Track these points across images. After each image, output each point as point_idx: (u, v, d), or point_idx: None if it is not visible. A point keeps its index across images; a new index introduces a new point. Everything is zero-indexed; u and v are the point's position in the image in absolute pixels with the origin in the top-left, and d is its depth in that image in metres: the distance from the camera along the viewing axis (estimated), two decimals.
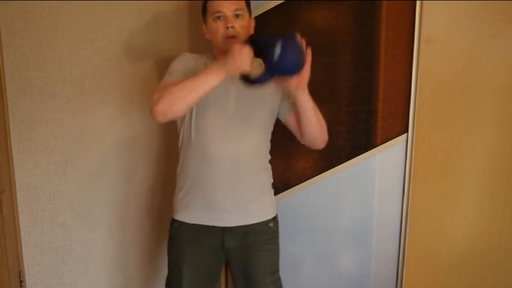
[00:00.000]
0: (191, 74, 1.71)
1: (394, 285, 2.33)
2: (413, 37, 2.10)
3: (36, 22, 2.25)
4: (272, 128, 1.94)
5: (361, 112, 2.17)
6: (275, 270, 1.97)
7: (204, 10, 1.86)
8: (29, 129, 2.34)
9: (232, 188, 1.84)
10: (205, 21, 1.86)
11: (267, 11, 2.09)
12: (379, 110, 2.17)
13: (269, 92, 1.85)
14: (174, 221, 1.94)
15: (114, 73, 2.35)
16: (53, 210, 2.44)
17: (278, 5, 2.08)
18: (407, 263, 2.28)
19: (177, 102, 1.64)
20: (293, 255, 2.27)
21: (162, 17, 2.32)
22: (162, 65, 2.34)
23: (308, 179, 2.22)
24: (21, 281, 2.45)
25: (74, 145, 2.38)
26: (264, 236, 1.92)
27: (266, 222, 1.92)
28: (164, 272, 2.01)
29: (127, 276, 2.56)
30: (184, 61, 1.86)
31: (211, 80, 1.64)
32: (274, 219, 1.96)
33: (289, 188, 2.22)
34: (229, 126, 1.82)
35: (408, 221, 2.24)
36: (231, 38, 1.78)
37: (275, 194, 2.05)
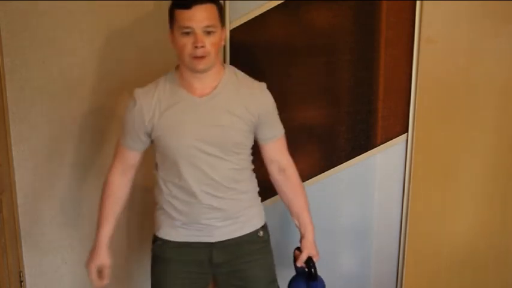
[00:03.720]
0: (140, 127, 1.75)
1: (394, 285, 2.34)
2: (413, 37, 2.10)
3: (36, 22, 2.25)
4: (251, 144, 1.81)
5: (361, 112, 2.17)
6: (273, 280, 1.91)
7: (171, 17, 1.67)
8: (29, 129, 2.34)
9: (216, 208, 1.76)
10: (171, 29, 1.68)
11: (267, 11, 2.08)
12: (379, 110, 2.17)
13: (241, 116, 1.72)
14: (156, 238, 1.85)
15: (114, 73, 2.34)
16: (53, 210, 2.44)
17: (278, 5, 2.08)
18: (407, 263, 2.28)
19: None
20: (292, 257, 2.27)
21: (161, 17, 2.32)
22: (162, 65, 2.34)
23: (308, 179, 2.22)
24: (21, 281, 2.45)
25: (74, 145, 2.38)
26: (254, 246, 1.84)
27: (255, 232, 1.84)
28: None
29: (127, 276, 2.56)
30: (134, 116, 1.73)
31: None
32: (264, 228, 1.88)
33: None
34: (200, 154, 1.70)
35: (408, 221, 2.24)
36: (199, 58, 1.62)
37: (275, 194, 2.05)
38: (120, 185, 1.82)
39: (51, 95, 2.32)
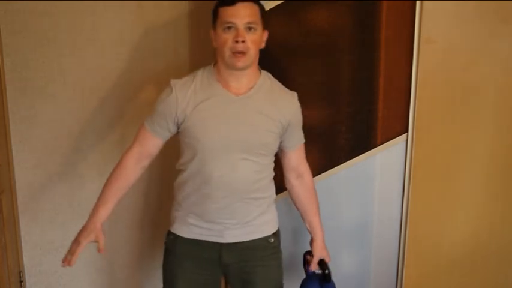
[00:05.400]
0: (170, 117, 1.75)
1: (394, 286, 2.33)
2: (413, 37, 2.10)
3: (36, 22, 2.25)
4: (276, 149, 1.85)
5: (361, 112, 2.17)
6: (279, 287, 1.93)
7: (215, 16, 1.71)
8: (29, 129, 2.35)
9: (231, 209, 1.78)
10: (214, 27, 1.72)
11: (267, 11, 2.08)
12: (379, 110, 2.17)
13: (274, 118, 1.77)
14: (170, 232, 1.88)
15: (114, 73, 2.35)
16: (52, 210, 2.44)
17: (278, 5, 2.08)
18: (407, 263, 2.28)
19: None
20: (293, 255, 2.27)
21: (162, 16, 2.32)
22: (162, 65, 2.35)
23: None
24: (21, 281, 2.45)
25: (74, 145, 2.39)
26: (264, 252, 1.86)
27: (266, 238, 1.86)
28: None
29: (127, 276, 2.56)
30: (168, 104, 1.74)
31: None
32: (275, 235, 1.90)
33: None
34: (227, 150, 1.73)
35: (408, 221, 2.24)
36: (239, 53, 1.67)
37: (275, 194, 2.05)
38: (133, 171, 1.83)
39: (51, 95, 2.33)
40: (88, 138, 2.39)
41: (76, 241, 1.80)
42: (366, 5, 2.09)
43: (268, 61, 1.98)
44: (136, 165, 1.82)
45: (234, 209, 1.79)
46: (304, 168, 1.94)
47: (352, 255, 2.31)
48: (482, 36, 2.10)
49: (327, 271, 1.92)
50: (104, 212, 1.80)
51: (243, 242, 1.83)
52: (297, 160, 1.92)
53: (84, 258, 2.49)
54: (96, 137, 2.40)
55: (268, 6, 2.08)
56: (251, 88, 1.76)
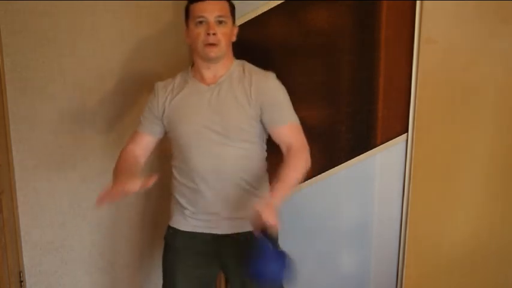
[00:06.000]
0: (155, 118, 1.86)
1: (394, 286, 2.33)
2: (413, 37, 2.10)
3: (36, 22, 2.25)
4: (262, 137, 1.85)
5: (361, 112, 2.17)
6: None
7: (187, 14, 1.81)
8: (29, 129, 2.35)
9: (223, 198, 1.80)
10: (187, 25, 1.82)
11: (267, 11, 2.09)
12: (379, 110, 2.17)
13: (244, 103, 1.78)
14: (169, 227, 1.92)
15: (114, 73, 2.35)
16: (53, 210, 2.44)
17: (278, 5, 2.08)
18: (407, 263, 2.28)
19: None
20: (293, 255, 2.27)
21: (162, 17, 2.32)
22: (162, 65, 2.34)
23: (308, 179, 2.22)
24: (21, 281, 2.45)
25: (74, 145, 2.38)
26: None
27: None
28: None
29: (128, 276, 2.55)
30: (152, 102, 1.88)
31: None
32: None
33: None
34: (205, 140, 1.78)
35: (408, 221, 2.24)
36: (211, 45, 1.75)
37: None
38: (139, 154, 1.90)
39: (51, 95, 2.33)
40: (88, 138, 2.39)
41: (118, 188, 1.64)
42: (366, 5, 2.09)
43: (268, 61, 1.98)
44: (137, 153, 1.90)
45: (225, 198, 1.81)
46: (295, 141, 1.79)
47: (352, 255, 2.31)
48: (482, 36, 2.10)
49: (267, 233, 1.58)
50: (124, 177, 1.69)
51: (238, 233, 1.83)
52: (283, 137, 1.80)
53: (84, 258, 2.50)
54: (96, 137, 2.40)
55: (268, 6, 2.08)
56: (221, 76, 1.82)
